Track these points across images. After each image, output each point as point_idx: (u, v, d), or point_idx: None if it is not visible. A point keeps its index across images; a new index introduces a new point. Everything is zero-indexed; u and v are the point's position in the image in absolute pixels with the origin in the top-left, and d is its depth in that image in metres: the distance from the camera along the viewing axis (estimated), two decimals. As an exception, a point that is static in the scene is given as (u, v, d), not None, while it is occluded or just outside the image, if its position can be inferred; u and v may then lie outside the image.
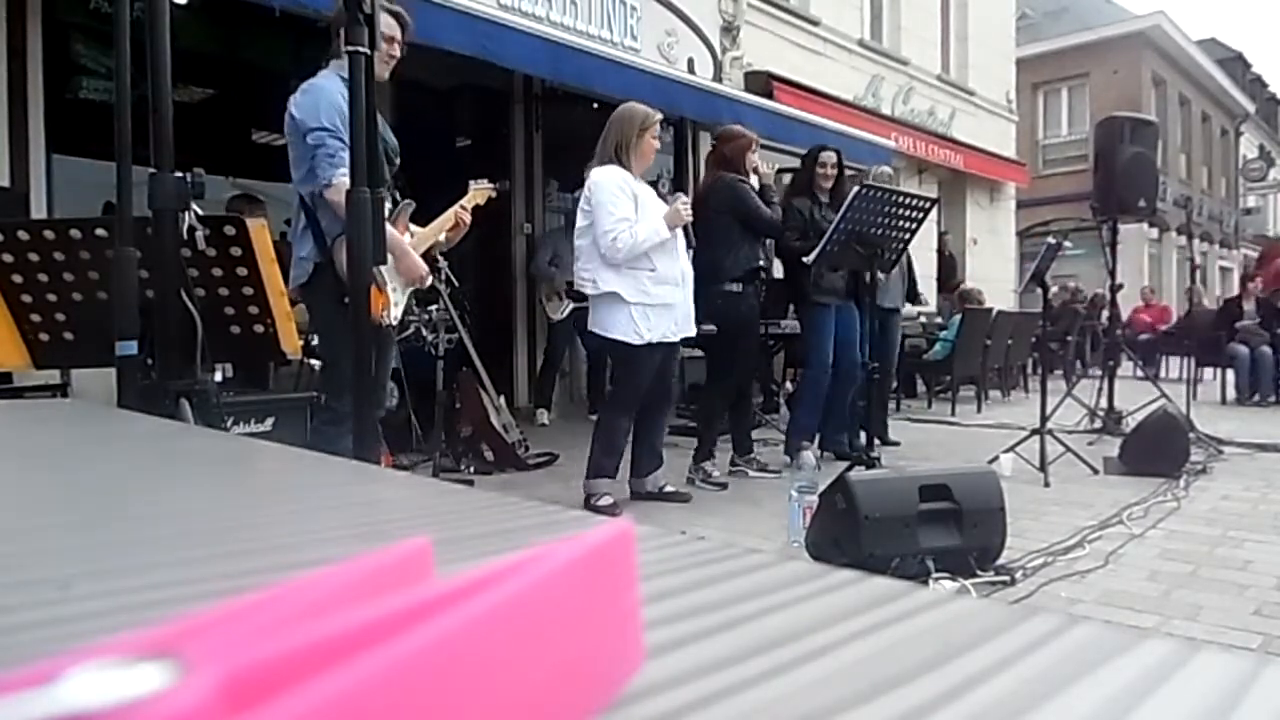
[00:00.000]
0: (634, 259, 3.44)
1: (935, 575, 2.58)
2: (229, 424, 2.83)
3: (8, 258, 1.96)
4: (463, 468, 4.44)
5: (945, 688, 0.23)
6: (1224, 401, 8.13)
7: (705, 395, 4.69)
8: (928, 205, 4.12)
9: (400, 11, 2.73)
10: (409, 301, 3.14)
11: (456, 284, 4.48)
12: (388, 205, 2.70)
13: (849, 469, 3.36)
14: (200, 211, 1.89)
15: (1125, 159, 5.42)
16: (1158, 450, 4.33)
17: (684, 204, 3.46)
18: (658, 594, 0.31)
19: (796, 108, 8.14)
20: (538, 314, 7.51)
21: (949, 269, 10.41)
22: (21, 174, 4.68)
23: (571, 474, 4.45)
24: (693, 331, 3.71)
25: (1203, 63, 21.20)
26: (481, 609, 0.17)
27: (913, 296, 5.87)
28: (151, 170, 1.83)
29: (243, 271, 2.00)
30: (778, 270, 5.02)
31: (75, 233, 1.95)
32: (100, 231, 1.94)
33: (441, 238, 3.17)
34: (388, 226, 2.36)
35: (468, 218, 3.18)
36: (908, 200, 4.08)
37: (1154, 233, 18.06)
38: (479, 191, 3.32)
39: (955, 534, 2.65)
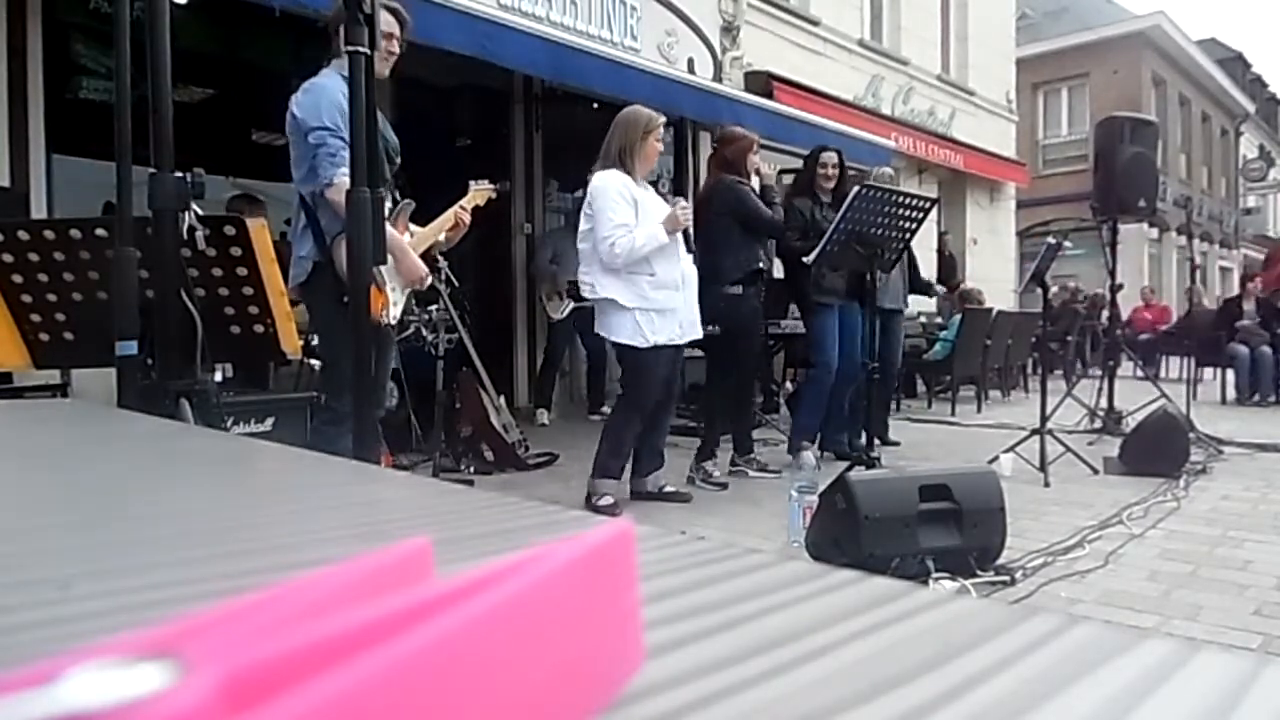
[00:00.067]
0: (634, 264, 3.45)
1: (935, 575, 2.58)
2: (229, 424, 2.83)
3: (8, 258, 1.96)
4: (463, 468, 4.44)
5: (945, 688, 0.23)
6: (1224, 401, 8.13)
7: (707, 396, 4.70)
8: (928, 205, 4.12)
9: (398, 8, 2.73)
10: (409, 301, 3.14)
11: (456, 284, 4.48)
12: (388, 204, 2.70)
13: (849, 469, 3.37)
14: (200, 211, 1.89)
15: (1125, 159, 5.42)
16: (1158, 450, 4.33)
17: (682, 209, 3.47)
18: (658, 594, 0.31)
19: (796, 108, 8.14)
20: (538, 314, 7.52)
21: (949, 269, 10.41)
22: (21, 174, 4.68)
23: (571, 474, 4.45)
24: (699, 334, 3.72)
25: (1203, 63, 21.21)
26: (481, 609, 0.17)
27: (924, 288, 5.85)
28: (151, 170, 1.83)
29: (243, 271, 2.00)
30: (778, 271, 5.03)
31: (75, 233, 1.95)
32: (100, 231, 1.94)
33: (441, 238, 3.17)
34: (387, 226, 2.35)
35: (467, 218, 3.18)
36: (908, 200, 4.08)
37: (1154, 233, 18.06)
38: (479, 192, 3.32)
39: (955, 534, 2.65)
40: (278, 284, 2.05)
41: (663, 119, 3.67)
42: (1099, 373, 6.07)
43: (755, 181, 4.33)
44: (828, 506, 2.77)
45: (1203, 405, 6.57)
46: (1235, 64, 24.34)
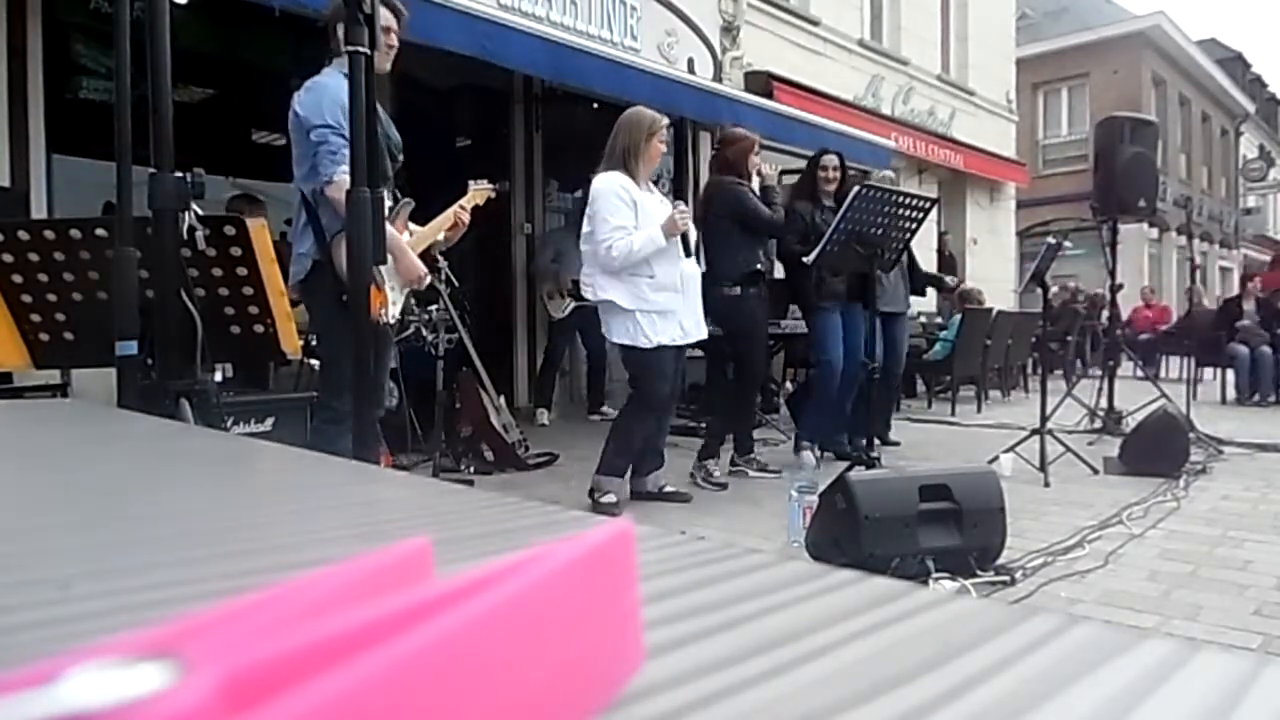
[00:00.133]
0: (633, 266, 3.47)
1: (935, 575, 2.58)
2: (229, 424, 2.83)
3: (8, 258, 1.96)
4: (463, 468, 4.44)
5: (945, 688, 0.23)
6: (1224, 401, 8.13)
7: (709, 396, 4.70)
8: (927, 205, 4.12)
9: (394, 2, 2.73)
10: (409, 301, 3.14)
11: (456, 284, 4.48)
12: (388, 202, 2.70)
13: (849, 469, 3.37)
14: (200, 211, 1.89)
15: (1125, 159, 5.42)
16: (1158, 450, 4.33)
17: (681, 213, 3.47)
18: (658, 594, 0.31)
19: (796, 108, 8.14)
20: (538, 314, 7.52)
21: (949, 269, 10.41)
22: (21, 174, 4.68)
23: (571, 474, 4.45)
24: (703, 335, 3.73)
25: (1203, 63, 21.20)
26: (481, 609, 0.17)
27: (931, 282, 5.84)
28: (151, 170, 1.83)
29: (243, 271, 2.00)
30: (779, 271, 5.03)
31: (75, 233, 1.95)
32: (100, 231, 1.94)
33: (440, 237, 3.17)
34: (386, 225, 2.35)
35: (466, 217, 3.18)
36: (907, 200, 4.09)
37: (1154, 233, 18.06)
38: (478, 192, 3.32)
39: (955, 534, 2.65)
40: (278, 284, 2.05)
41: (666, 120, 3.68)
42: (1099, 373, 6.07)
43: (756, 182, 4.34)
44: (828, 506, 2.77)
45: (1203, 405, 6.57)
46: (1235, 64, 24.34)
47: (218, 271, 1.99)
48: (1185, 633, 2.26)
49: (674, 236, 3.46)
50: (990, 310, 8.24)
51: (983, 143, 12.52)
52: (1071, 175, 17.23)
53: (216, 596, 0.30)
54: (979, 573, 2.67)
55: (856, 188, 4.03)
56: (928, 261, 7.93)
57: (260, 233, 2.00)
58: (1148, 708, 0.22)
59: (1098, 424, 5.65)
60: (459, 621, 0.17)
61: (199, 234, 1.87)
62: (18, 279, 1.99)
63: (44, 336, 2.05)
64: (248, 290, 2.01)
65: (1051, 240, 5.09)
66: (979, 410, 7.46)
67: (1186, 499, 3.82)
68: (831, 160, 4.73)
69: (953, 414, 7.12)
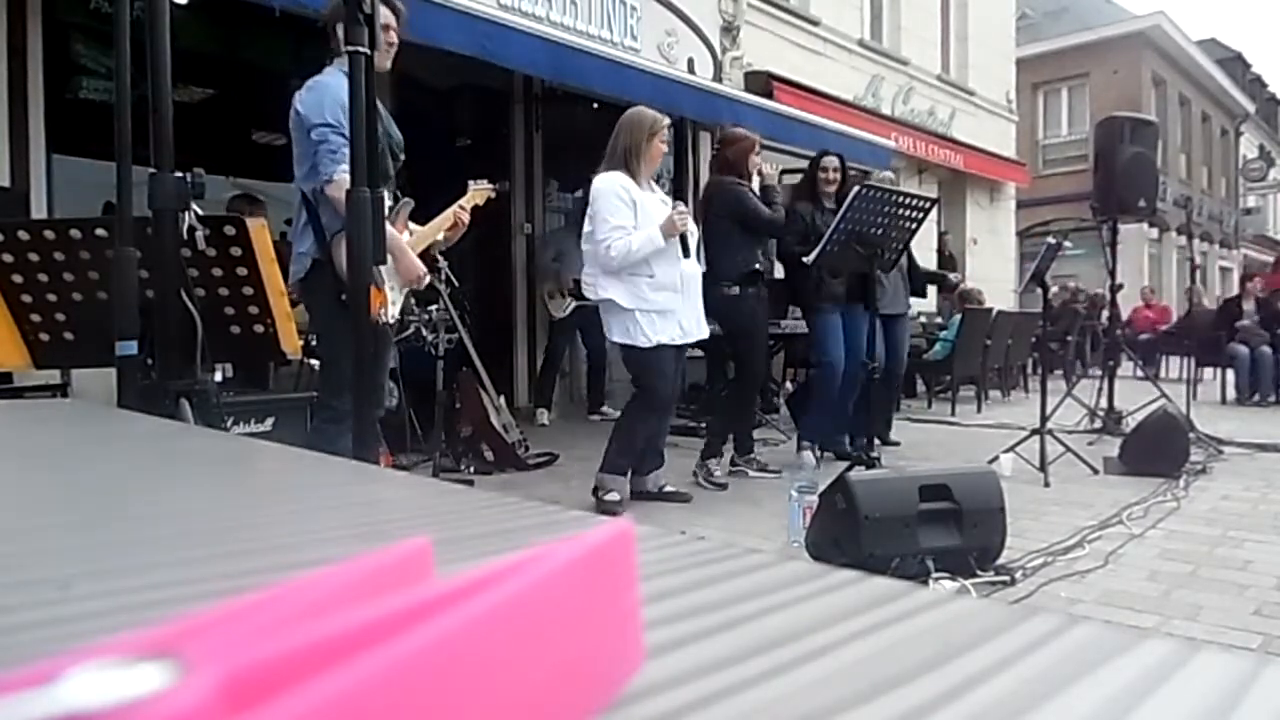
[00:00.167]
0: (633, 265, 3.47)
1: (935, 575, 2.58)
2: (229, 424, 2.83)
3: (8, 258, 1.96)
4: (463, 468, 4.44)
5: (945, 688, 0.23)
6: (1224, 401, 8.13)
7: (710, 395, 4.69)
8: (927, 205, 4.12)
9: (393, 0, 2.73)
10: (408, 301, 3.14)
11: (456, 284, 4.48)
12: (389, 202, 2.70)
13: (849, 469, 3.37)
14: (200, 211, 1.89)
15: (1125, 159, 5.42)
16: (1158, 450, 4.33)
17: (679, 214, 3.47)
18: (658, 594, 0.31)
19: (796, 108, 8.14)
20: (538, 314, 7.52)
21: (949, 269, 10.40)
22: (21, 174, 4.68)
23: (571, 474, 4.45)
24: (704, 334, 3.73)
25: (1203, 63, 21.20)
26: (481, 609, 0.17)
27: (931, 280, 5.83)
28: (151, 170, 1.83)
29: (243, 271, 2.00)
30: (779, 272, 5.03)
31: (75, 233, 1.95)
32: (100, 231, 1.94)
33: (440, 237, 3.17)
34: (386, 225, 2.35)
35: (466, 217, 3.18)
36: (907, 200, 4.09)
37: (1154, 233, 18.06)
38: (478, 192, 3.32)
39: (955, 534, 2.65)
40: (278, 284, 2.05)
41: (667, 120, 3.70)
42: (1099, 373, 6.07)
43: (756, 182, 4.34)
44: (828, 506, 2.77)
45: (1203, 405, 6.57)
46: (1235, 64, 24.34)
47: (218, 271, 1.99)
48: (1185, 633, 2.26)
49: (673, 237, 3.47)
50: (990, 310, 8.24)
51: (983, 143, 12.52)
52: (1071, 175, 17.23)
53: (216, 596, 0.30)
54: (979, 573, 2.67)
55: (856, 188, 4.03)
56: (928, 262, 7.93)
57: (260, 233, 2.00)
58: (1148, 708, 0.22)
59: (1098, 424, 5.65)
60: (459, 621, 0.17)
61: (199, 234, 1.87)
62: (18, 279, 1.99)
63: (44, 336, 2.05)
64: (248, 290, 2.01)
65: (1051, 240, 5.09)
66: (979, 410, 7.46)
67: (1186, 499, 3.82)
68: (832, 162, 4.74)
69: (953, 414, 7.12)
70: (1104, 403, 5.70)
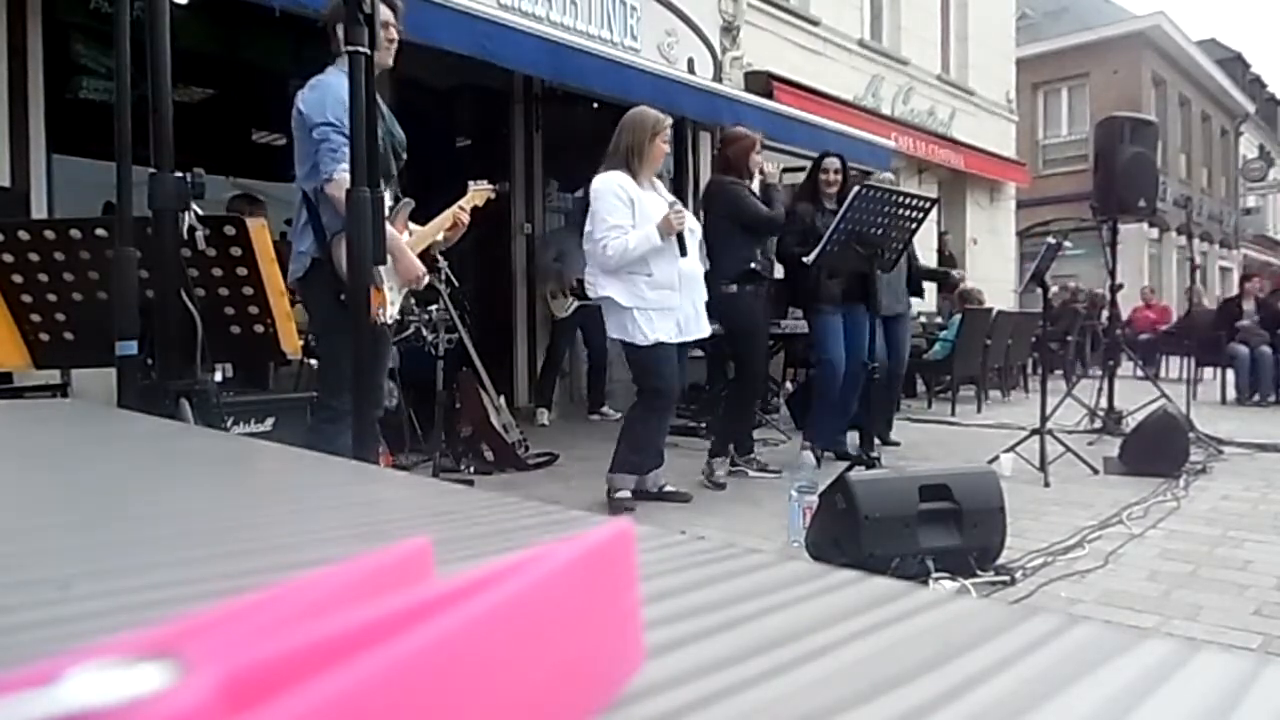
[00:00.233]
0: (631, 264, 3.48)
1: (935, 575, 2.58)
2: (229, 424, 2.83)
3: (8, 258, 1.96)
4: (463, 468, 4.44)
5: (945, 688, 0.23)
6: (1224, 401, 8.13)
7: (709, 396, 4.69)
8: (927, 205, 4.12)
9: None
10: (408, 301, 3.14)
11: (456, 284, 4.48)
12: (389, 202, 2.70)
13: (849, 469, 3.37)
14: (200, 211, 1.89)
15: (1125, 159, 5.42)
16: (1158, 450, 4.33)
17: (676, 212, 3.47)
18: (658, 594, 0.31)
19: (796, 108, 8.14)
20: (538, 314, 7.52)
21: (949, 269, 10.40)
22: (21, 174, 4.68)
23: (571, 474, 4.45)
24: (704, 333, 3.73)
25: (1203, 63, 21.21)
26: (481, 609, 0.17)
27: (930, 277, 5.82)
28: (151, 170, 1.83)
29: (243, 271, 2.00)
30: (779, 272, 5.03)
31: (75, 233, 1.95)
32: (100, 231, 1.94)
33: (440, 237, 3.17)
34: (386, 225, 2.35)
35: (466, 218, 3.18)
36: (907, 200, 4.09)
37: (1154, 233, 18.06)
38: (478, 192, 3.32)
39: (955, 534, 2.65)
40: (278, 284, 2.05)
41: (670, 121, 3.71)
42: (1099, 373, 6.07)
43: (757, 181, 4.34)
44: (828, 506, 2.77)
45: (1203, 405, 6.57)
46: (1235, 64, 24.34)
47: (218, 271, 1.99)
48: (1185, 633, 2.26)
49: (670, 235, 3.47)
50: (990, 310, 8.24)
51: (983, 143, 12.52)
52: (1071, 175, 17.23)
53: (216, 596, 0.30)
54: (979, 573, 2.67)
55: (856, 188, 4.03)
56: (928, 262, 7.92)
57: (260, 233, 2.00)
58: (1148, 708, 0.22)
59: (1098, 424, 5.65)
60: (459, 621, 0.17)
61: (199, 234, 1.87)
62: (18, 279, 1.99)
63: (44, 336, 2.05)
64: (248, 290, 2.01)
65: (1051, 240, 5.09)
66: (979, 410, 7.46)
67: (1186, 499, 3.82)
68: (833, 163, 4.75)
69: (953, 414, 7.12)
70: (1104, 403, 5.70)
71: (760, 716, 0.22)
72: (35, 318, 2.03)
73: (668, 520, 3.40)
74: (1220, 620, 2.35)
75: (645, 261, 3.49)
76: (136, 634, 0.17)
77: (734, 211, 4.19)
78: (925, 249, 8.83)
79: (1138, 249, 17.29)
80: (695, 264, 3.65)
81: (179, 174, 1.84)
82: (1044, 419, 4.43)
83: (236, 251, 1.98)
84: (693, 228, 3.67)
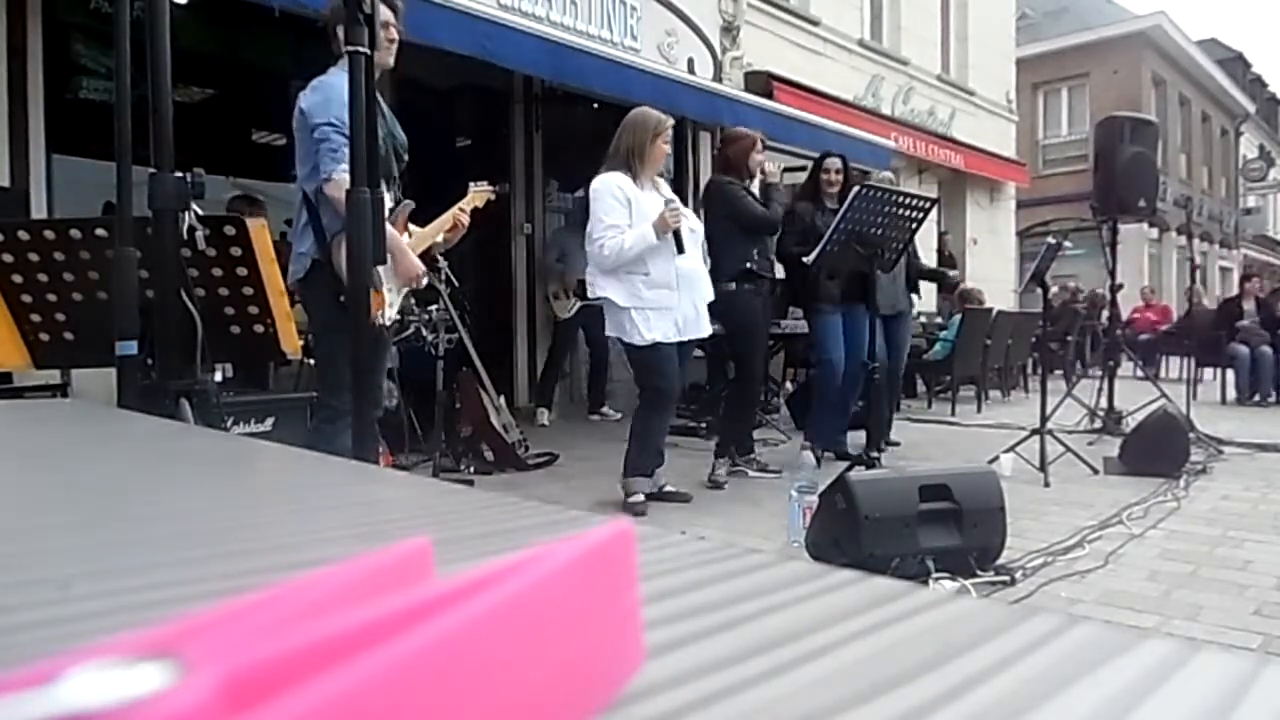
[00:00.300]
0: (629, 264, 3.49)
1: (935, 575, 2.58)
2: (229, 424, 2.83)
3: (8, 258, 1.96)
4: (463, 468, 4.45)
5: (945, 688, 0.23)
6: (1224, 401, 8.13)
7: (709, 396, 4.69)
8: (927, 205, 4.12)
9: None
10: (408, 301, 3.14)
11: (456, 284, 4.48)
12: (389, 203, 2.70)
13: (849, 469, 3.37)
14: (200, 211, 1.89)
15: (1125, 159, 5.42)
16: (1158, 450, 4.33)
17: (671, 211, 3.47)
18: (658, 594, 0.31)
19: (796, 108, 8.14)
20: (538, 314, 7.52)
21: (949, 269, 10.39)
22: (21, 174, 4.68)
23: (571, 474, 4.46)
24: (703, 333, 3.73)
25: (1203, 63, 21.20)
26: (481, 609, 0.17)
27: (935, 277, 5.80)
28: (151, 170, 1.83)
29: (243, 271, 2.00)
30: (779, 271, 5.03)
31: (75, 233, 1.95)
32: (100, 231, 1.94)
33: (440, 239, 3.17)
34: (386, 225, 2.35)
35: (466, 219, 3.18)
36: (907, 200, 4.09)
37: (1154, 233, 18.06)
38: (478, 194, 3.32)
39: (955, 534, 2.65)
40: (278, 284, 2.05)
41: (671, 121, 3.72)
42: (1099, 373, 6.07)
43: (758, 180, 4.34)
44: (828, 506, 2.77)
45: (1203, 405, 6.57)
46: (1235, 64, 24.33)
47: (218, 271, 1.99)
48: (1185, 633, 2.26)
49: (666, 233, 3.47)
50: (990, 310, 8.24)
51: (983, 143, 12.52)
52: (1071, 175, 17.23)
53: (216, 596, 0.30)
54: (979, 573, 2.67)
55: (856, 188, 4.03)
56: (928, 262, 7.93)
57: (260, 233, 2.00)
58: (1148, 708, 0.22)
59: (1098, 424, 5.65)
60: (459, 621, 0.17)
61: (199, 234, 1.87)
62: (18, 279, 1.99)
63: (44, 336, 2.05)
64: (248, 290, 2.01)
65: (1051, 240, 5.09)
66: (979, 410, 7.46)
67: (1186, 499, 3.82)
68: (834, 163, 4.76)
69: (953, 414, 7.12)
70: (1104, 403, 5.70)
71: (760, 716, 0.22)
72: (35, 318, 2.03)
73: (668, 520, 3.40)
74: (1220, 620, 2.35)
75: (642, 261, 3.50)
76: (136, 634, 0.17)
77: (731, 212, 4.20)
78: (925, 249, 8.83)
79: (1138, 249, 17.29)
80: (695, 263, 3.65)
81: (179, 174, 1.84)
82: (1044, 419, 4.43)
83: (236, 251, 1.98)
84: (693, 227, 3.67)
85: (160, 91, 1.83)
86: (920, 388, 8.34)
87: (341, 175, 2.51)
